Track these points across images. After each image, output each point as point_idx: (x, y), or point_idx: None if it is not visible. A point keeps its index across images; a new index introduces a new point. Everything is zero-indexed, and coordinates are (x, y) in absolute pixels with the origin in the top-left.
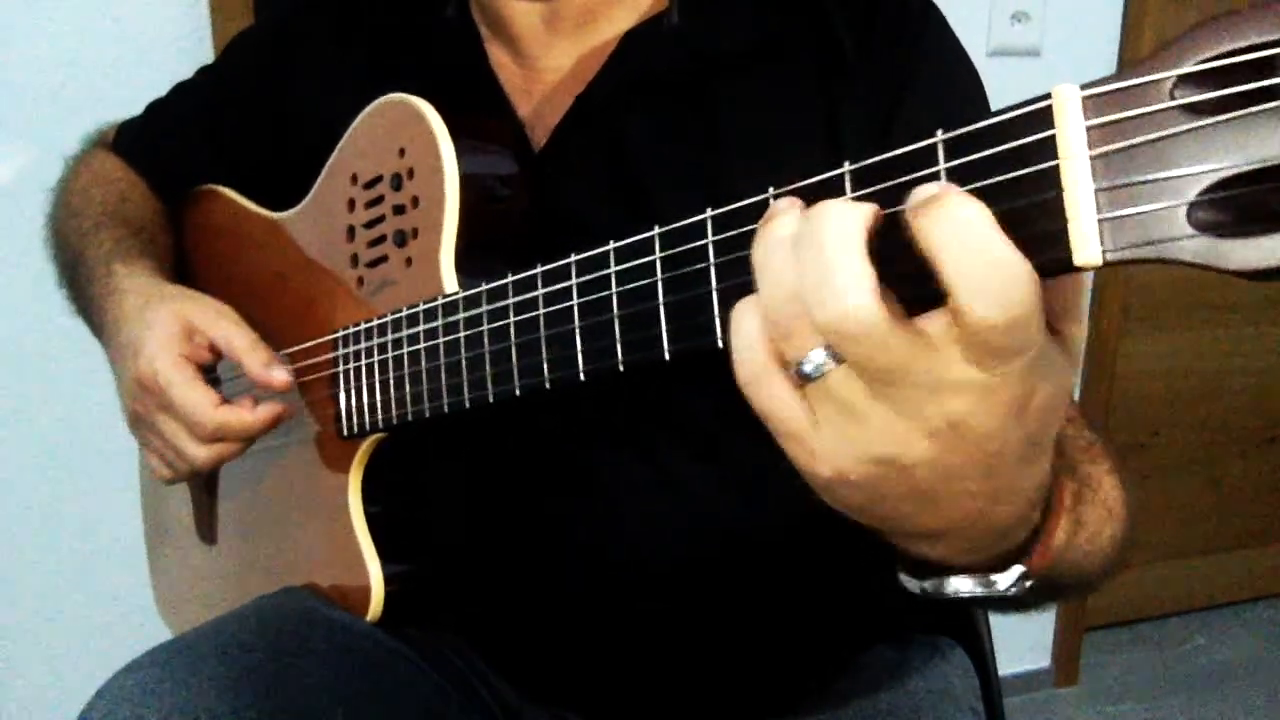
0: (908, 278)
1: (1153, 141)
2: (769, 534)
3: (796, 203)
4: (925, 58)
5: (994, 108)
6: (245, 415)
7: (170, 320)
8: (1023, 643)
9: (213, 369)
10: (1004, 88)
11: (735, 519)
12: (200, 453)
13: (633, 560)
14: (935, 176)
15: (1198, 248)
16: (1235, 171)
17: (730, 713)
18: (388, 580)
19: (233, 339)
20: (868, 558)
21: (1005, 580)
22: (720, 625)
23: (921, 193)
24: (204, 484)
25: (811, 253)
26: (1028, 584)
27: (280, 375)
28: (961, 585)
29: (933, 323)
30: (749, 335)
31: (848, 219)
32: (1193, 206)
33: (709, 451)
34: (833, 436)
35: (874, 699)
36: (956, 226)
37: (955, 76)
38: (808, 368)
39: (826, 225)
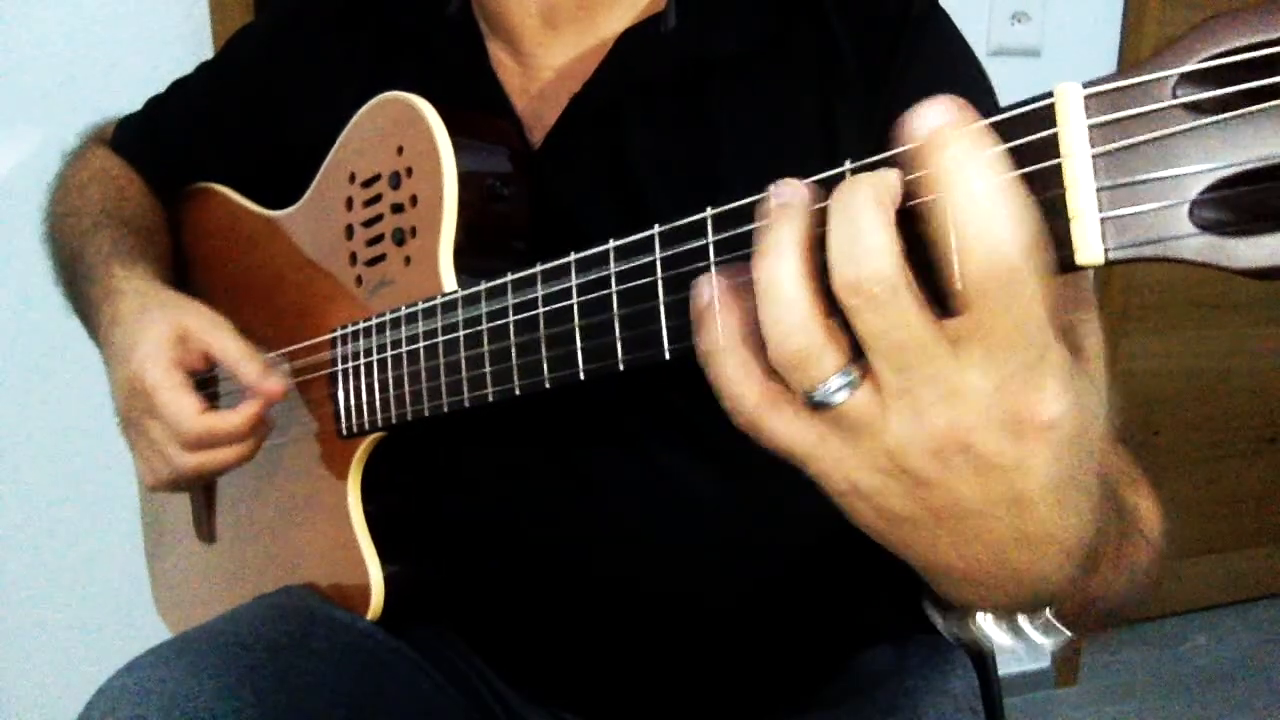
0: (927, 267)
1: (1155, 140)
2: (768, 533)
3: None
4: (927, 59)
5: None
6: (230, 417)
7: (165, 326)
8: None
9: (211, 377)
10: (1004, 88)
11: (735, 519)
12: (184, 460)
13: (631, 560)
14: None
15: (1200, 246)
16: (1238, 170)
17: (729, 712)
18: (388, 579)
19: (228, 348)
20: (869, 559)
21: (1034, 630)
22: (719, 624)
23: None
24: (203, 483)
25: (842, 218)
26: (1058, 627)
27: (276, 383)
28: (986, 627)
29: (950, 323)
30: (732, 379)
31: (878, 183)
32: (1195, 205)
33: (709, 451)
34: (842, 451)
35: (874, 699)
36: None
37: (961, 79)
38: (820, 396)
39: (857, 190)
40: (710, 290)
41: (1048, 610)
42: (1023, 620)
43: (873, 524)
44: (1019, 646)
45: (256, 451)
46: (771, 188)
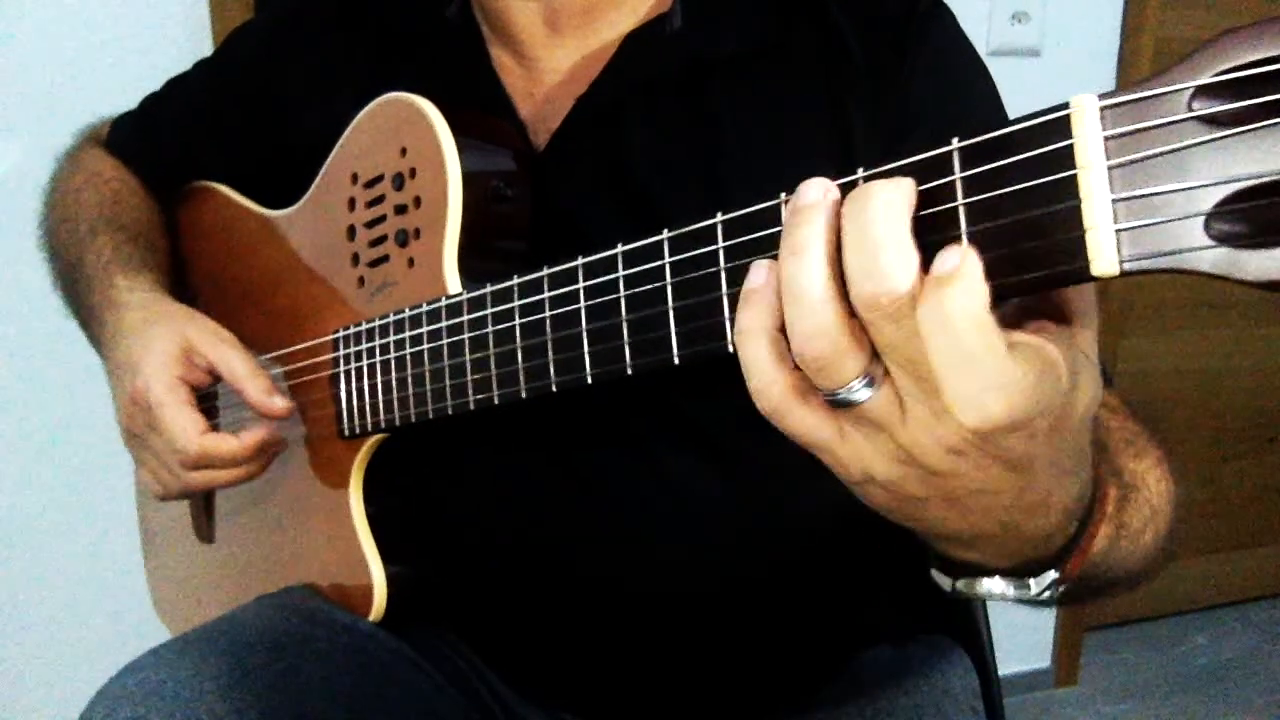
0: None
1: (1170, 152)
2: (770, 534)
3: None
4: (933, 57)
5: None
6: (231, 442)
7: (169, 341)
8: (1023, 643)
9: (214, 393)
10: (1004, 88)
11: (736, 520)
12: (187, 476)
13: (632, 561)
14: (951, 185)
15: (1215, 258)
16: (1253, 183)
17: (729, 712)
18: (390, 581)
19: (233, 364)
20: (869, 559)
21: (1038, 585)
22: (720, 624)
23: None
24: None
25: (856, 230)
26: (1061, 589)
27: (280, 402)
28: (994, 587)
29: None
30: (763, 365)
31: (893, 193)
32: (1210, 217)
33: (712, 453)
34: (860, 444)
35: (873, 699)
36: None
37: (964, 76)
38: (841, 396)
39: (869, 202)
40: (763, 273)
41: (1050, 572)
42: (1026, 578)
43: (883, 505)
44: (1022, 600)
45: (264, 470)
46: (800, 185)
